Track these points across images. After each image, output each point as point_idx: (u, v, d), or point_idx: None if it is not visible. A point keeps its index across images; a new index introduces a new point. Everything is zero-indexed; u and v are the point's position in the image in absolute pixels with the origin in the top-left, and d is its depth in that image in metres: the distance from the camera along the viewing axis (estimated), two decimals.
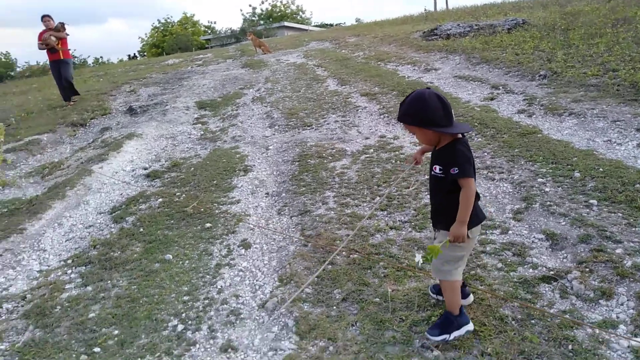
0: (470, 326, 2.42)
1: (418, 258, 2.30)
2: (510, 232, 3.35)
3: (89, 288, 3.35)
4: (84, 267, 3.67)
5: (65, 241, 4.22)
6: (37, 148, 7.49)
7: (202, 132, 7.31)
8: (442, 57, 10.16)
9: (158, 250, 3.74)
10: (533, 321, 2.44)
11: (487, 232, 3.37)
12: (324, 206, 4.17)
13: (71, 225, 4.51)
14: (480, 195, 3.85)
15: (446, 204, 2.27)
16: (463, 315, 2.42)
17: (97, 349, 2.69)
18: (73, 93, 10.16)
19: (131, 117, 8.69)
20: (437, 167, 2.30)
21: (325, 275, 3.10)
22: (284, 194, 4.61)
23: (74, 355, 2.66)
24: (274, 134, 6.76)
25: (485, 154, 4.77)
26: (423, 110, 2.18)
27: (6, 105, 11.52)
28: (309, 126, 6.84)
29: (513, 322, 2.45)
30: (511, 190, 3.95)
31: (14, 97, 13.51)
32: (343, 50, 14.21)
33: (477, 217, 2.32)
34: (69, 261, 3.82)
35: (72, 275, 3.58)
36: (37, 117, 9.54)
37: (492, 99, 6.64)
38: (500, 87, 7.07)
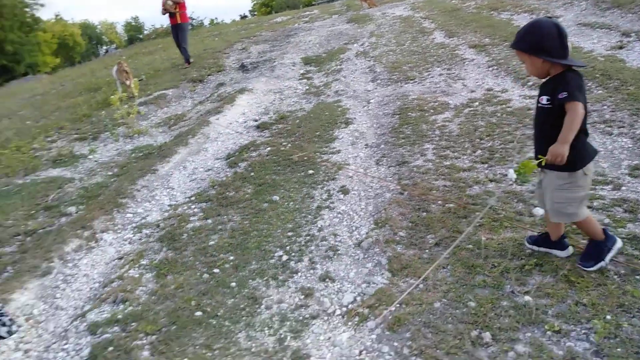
0: (619, 243, 2.43)
1: (511, 174, 2.26)
2: (623, 188, 3.13)
3: (209, 221, 3.85)
4: (204, 204, 4.19)
5: (189, 181, 4.81)
6: (164, 102, 8.39)
7: (307, 87, 7.58)
8: (565, 2, 9.19)
9: (266, 192, 4.13)
10: (637, 277, 2.34)
11: (596, 187, 3.19)
12: (422, 158, 4.21)
13: (193, 169, 5.11)
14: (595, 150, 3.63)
15: (552, 138, 2.18)
16: (609, 237, 2.42)
17: (216, 270, 3.14)
18: (186, 59, 10.81)
19: (243, 73, 9.26)
20: (544, 97, 2.26)
21: (420, 222, 3.22)
22: (382, 146, 4.73)
23: (198, 274, 3.14)
24: (375, 88, 6.81)
25: (605, 107, 4.38)
26: (538, 38, 2.17)
27: (137, 64, 12.88)
28: (411, 80, 6.76)
29: (615, 277, 2.37)
30: (631, 146, 3.63)
31: (143, 56, 15.02)
32: (453, 1, 13.43)
33: (588, 153, 2.25)
34: (193, 198, 4.37)
35: (195, 210, 4.11)
36: (163, 74, 10.57)
37: (620, 48, 5.96)
38: (632, 35, 6.28)
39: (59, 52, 38.62)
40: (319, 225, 3.45)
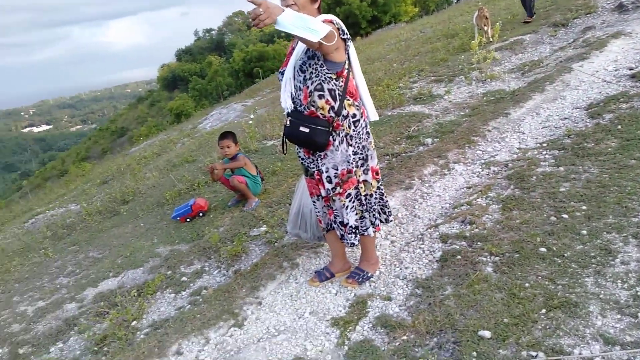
0: None
1: None
2: None
3: (561, 168, 3.76)
4: (557, 151, 4.08)
5: (542, 128, 4.73)
6: (519, 47, 8.19)
7: None
8: None
9: (635, 148, 3.67)
10: None
11: None
12: None
13: (547, 116, 4.96)
14: None
15: None
16: None
17: (565, 216, 3.12)
18: (529, 14, 9.85)
19: (620, 15, 7.96)
20: None
21: None
22: None
23: (545, 215, 3.20)
24: None
25: None
26: None
27: (494, 10, 12.79)
28: None
29: None
30: None
31: (500, 1, 14.72)
32: None
33: None
34: (544, 144, 4.31)
35: (546, 156, 4.07)
36: (521, 19, 10.19)
37: None
38: None
39: (417, 2, 41.86)
40: None
